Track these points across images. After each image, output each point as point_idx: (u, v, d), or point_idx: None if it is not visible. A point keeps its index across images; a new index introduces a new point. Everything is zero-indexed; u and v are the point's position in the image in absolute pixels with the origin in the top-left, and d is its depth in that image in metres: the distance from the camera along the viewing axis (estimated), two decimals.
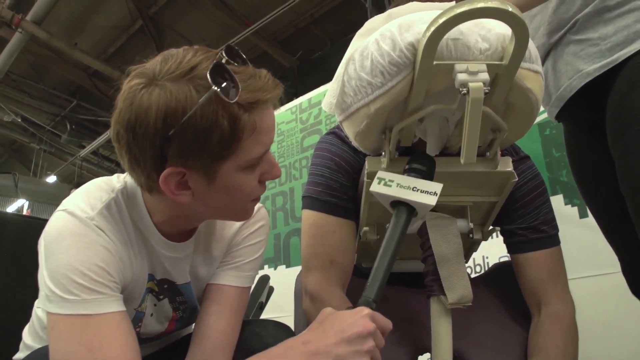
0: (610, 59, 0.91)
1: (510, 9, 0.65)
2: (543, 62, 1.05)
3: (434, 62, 0.71)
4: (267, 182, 0.74)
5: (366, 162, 0.90)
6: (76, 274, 0.65)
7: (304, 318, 1.03)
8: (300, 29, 5.36)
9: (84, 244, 0.67)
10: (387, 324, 0.64)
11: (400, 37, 0.74)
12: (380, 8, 3.33)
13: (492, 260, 2.11)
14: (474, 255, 1.52)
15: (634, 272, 1.03)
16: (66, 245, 0.66)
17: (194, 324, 0.89)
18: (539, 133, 2.15)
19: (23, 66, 5.85)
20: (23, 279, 1.21)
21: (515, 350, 1.01)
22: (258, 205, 0.90)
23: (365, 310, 0.63)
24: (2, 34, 4.97)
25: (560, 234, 1.03)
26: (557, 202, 1.95)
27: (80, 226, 0.68)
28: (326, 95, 0.90)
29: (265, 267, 2.91)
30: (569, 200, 2.01)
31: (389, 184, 0.77)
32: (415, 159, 0.82)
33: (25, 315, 0.95)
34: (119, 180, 0.77)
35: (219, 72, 0.61)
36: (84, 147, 6.95)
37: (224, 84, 0.60)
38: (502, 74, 0.74)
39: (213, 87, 0.59)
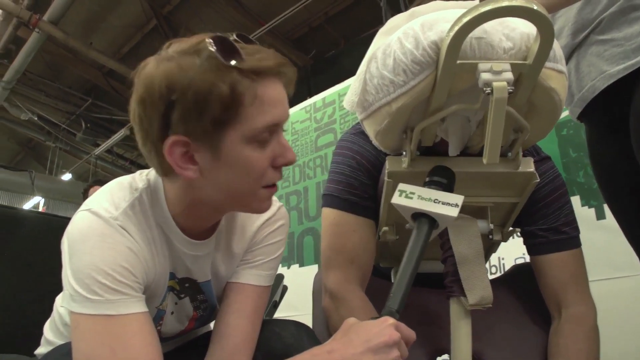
0: (634, 60, 0.90)
1: (535, 7, 0.64)
2: (567, 62, 1.04)
3: (457, 61, 0.70)
4: (280, 182, 0.73)
5: (387, 161, 0.90)
6: (100, 274, 0.65)
7: (322, 317, 1.03)
8: (313, 28, 5.36)
9: (108, 245, 0.67)
10: (411, 334, 0.65)
11: (423, 35, 0.73)
12: (395, 7, 3.31)
13: (508, 262, 2.09)
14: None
15: None
16: (90, 245, 0.66)
17: (211, 323, 0.89)
18: (555, 133, 2.13)
19: (40, 65, 5.94)
20: (40, 274, 1.23)
21: (535, 352, 1.00)
22: (278, 204, 0.90)
23: (390, 320, 0.63)
24: (20, 34, 5.04)
25: None
26: (574, 203, 1.91)
27: (105, 226, 0.68)
28: (347, 93, 0.89)
29: (279, 266, 2.92)
30: (586, 202, 1.99)
31: (410, 196, 0.77)
32: (436, 172, 0.82)
33: (44, 309, 0.96)
34: (142, 178, 0.77)
35: (221, 41, 0.63)
36: (98, 145, 7.04)
37: (224, 50, 0.62)
38: (526, 74, 0.73)
39: (211, 49, 0.61)
